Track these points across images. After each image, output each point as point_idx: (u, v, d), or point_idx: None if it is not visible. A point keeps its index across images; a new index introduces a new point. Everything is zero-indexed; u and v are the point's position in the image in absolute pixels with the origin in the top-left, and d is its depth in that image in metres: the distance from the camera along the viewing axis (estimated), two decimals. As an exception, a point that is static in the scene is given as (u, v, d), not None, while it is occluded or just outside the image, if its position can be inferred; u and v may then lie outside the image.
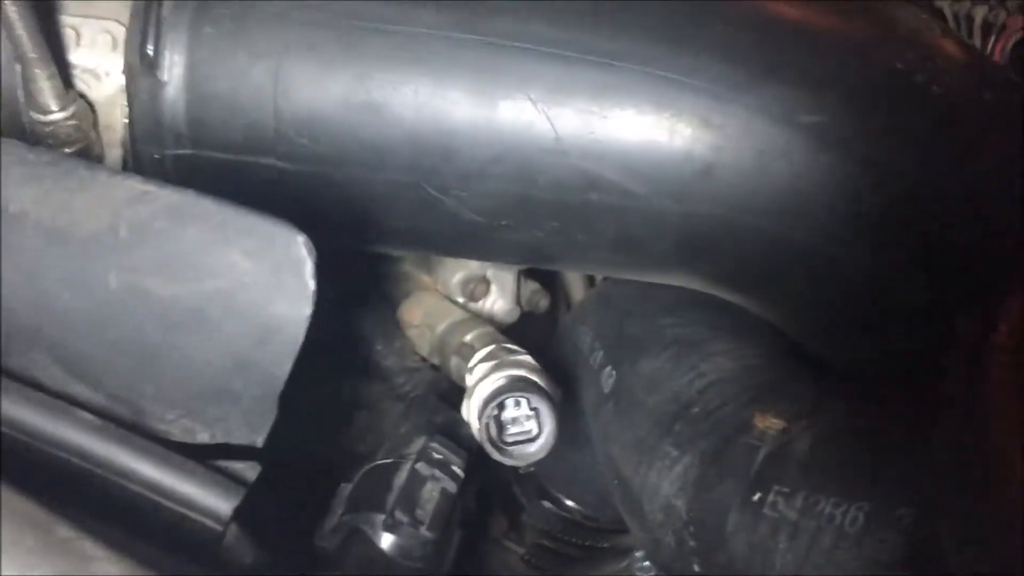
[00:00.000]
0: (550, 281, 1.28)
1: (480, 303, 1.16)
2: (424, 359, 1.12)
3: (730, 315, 0.88)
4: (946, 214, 0.71)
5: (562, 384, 1.00)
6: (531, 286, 1.23)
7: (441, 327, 1.09)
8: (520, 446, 0.75)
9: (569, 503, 1.19)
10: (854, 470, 0.63)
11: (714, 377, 0.80)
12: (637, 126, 0.73)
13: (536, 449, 0.75)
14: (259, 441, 0.59)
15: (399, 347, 1.11)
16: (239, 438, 0.59)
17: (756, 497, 0.67)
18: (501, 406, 0.76)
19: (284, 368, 0.57)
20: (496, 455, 0.74)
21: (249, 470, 0.59)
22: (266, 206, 0.81)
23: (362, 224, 0.81)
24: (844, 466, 0.64)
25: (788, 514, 0.65)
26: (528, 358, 0.85)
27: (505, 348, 0.93)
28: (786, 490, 0.66)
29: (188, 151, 0.76)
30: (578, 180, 0.74)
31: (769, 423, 0.71)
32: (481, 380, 0.81)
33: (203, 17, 0.73)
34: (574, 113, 0.73)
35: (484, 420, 0.73)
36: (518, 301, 1.19)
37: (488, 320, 1.14)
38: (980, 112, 0.73)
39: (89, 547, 0.46)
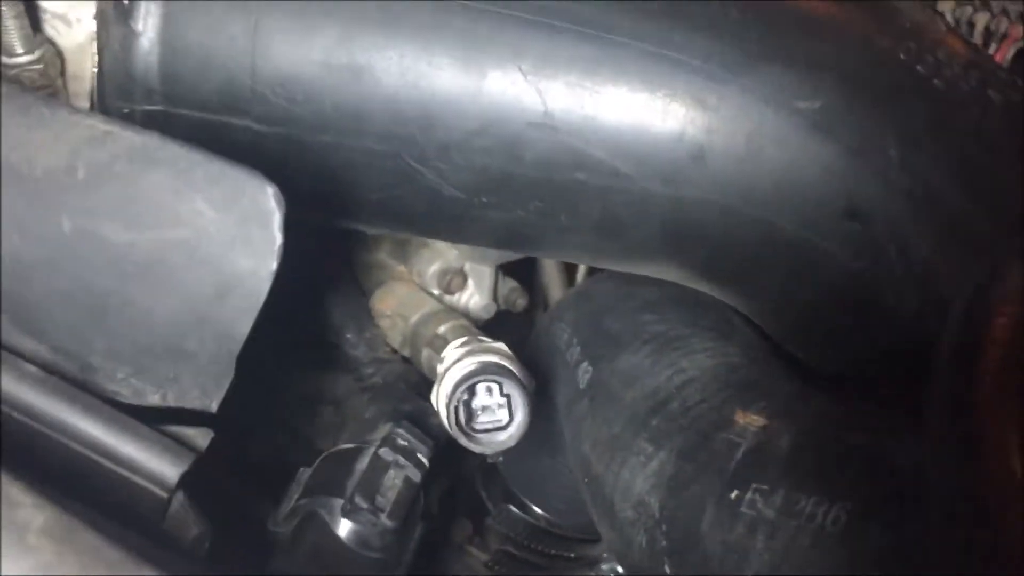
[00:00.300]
0: (529, 282, 1.26)
1: (456, 296, 1.13)
2: (395, 351, 1.09)
3: (712, 313, 0.85)
4: (941, 215, 0.69)
5: (537, 383, 0.97)
6: (509, 284, 1.20)
7: (414, 318, 1.06)
8: (490, 434, 0.72)
9: (536, 509, 1.15)
10: (837, 469, 0.60)
11: (694, 373, 0.77)
12: (629, 104, 0.71)
13: (506, 437, 0.71)
14: (213, 406, 0.55)
15: (370, 337, 1.08)
16: (192, 401, 0.55)
17: (733, 495, 0.64)
18: (472, 391, 0.72)
19: (244, 326, 0.53)
20: (464, 441, 0.71)
21: (201, 436, 0.56)
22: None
23: (338, 195, 0.78)
24: (826, 464, 0.61)
25: (766, 513, 0.62)
26: (502, 346, 0.82)
27: (479, 339, 0.90)
28: (765, 488, 0.62)
29: (160, 107, 0.73)
30: (565, 157, 0.71)
31: (750, 419, 0.68)
32: (453, 365, 0.78)
33: (181, -34, 0.70)
34: (564, 87, 0.70)
35: (453, 404, 0.70)
36: (495, 298, 1.16)
37: (463, 314, 1.11)
38: (983, 109, 0.71)
39: (16, 493, 0.42)
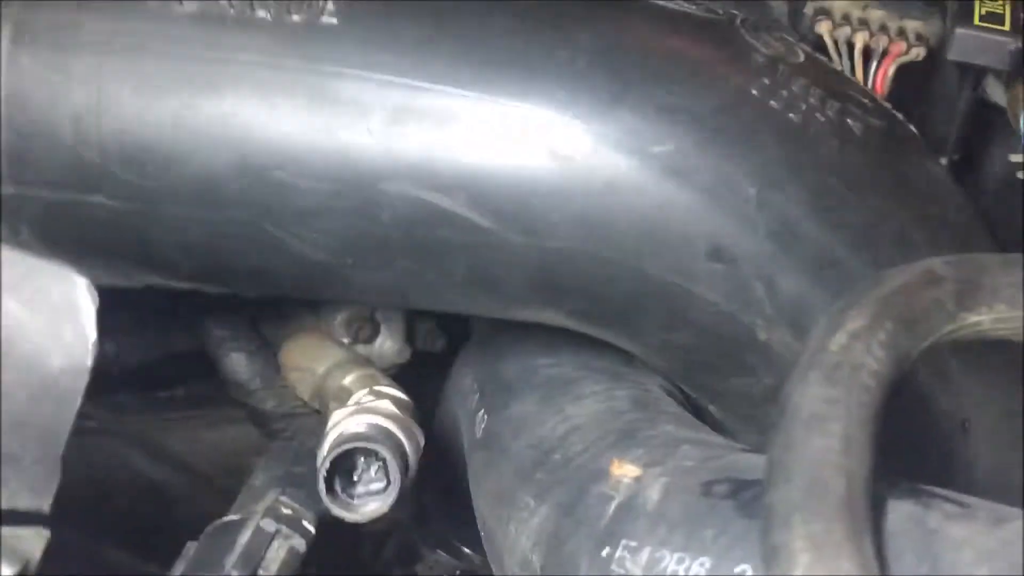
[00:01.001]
0: (455, 317, 1.24)
1: (367, 344, 1.11)
2: (307, 403, 1.08)
3: (608, 354, 0.84)
4: (806, 250, 0.68)
5: (447, 431, 0.96)
6: (426, 325, 1.19)
7: (321, 369, 1.04)
8: (363, 499, 0.70)
9: (467, 552, 1.14)
10: (699, 522, 0.59)
11: (579, 421, 0.76)
12: (483, 157, 0.70)
13: (379, 505, 0.70)
14: (44, 506, 0.54)
15: (279, 391, 1.07)
16: (23, 503, 0.54)
17: (604, 552, 0.63)
18: (347, 456, 0.71)
19: (63, 427, 0.52)
20: (335, 509, 0.69)
21: (36, 537, 0.54)
22: (102, 251, 0.78)
23: (207, 266, 0.76)
24: (690, 517, 0.60)
25: (634, 571, 0.60)
26: (388, 404, 0.80)
27: (376, 391, 0.89)
28: (633, 544, 0.61)
29: (12, 191, 0.72)
30: (425, 215, 0.70)
31: (625, 470, 0.67)
32: (332, 428, 0.76)
33: (21, 42, 0.69)
34: (417, 144, 0.69)
35: (323, 471, 0.69)
36: (410, 340, 1.15)
37: (378, 361, 1.09)
38: (841, 141, 0.70)
39: None
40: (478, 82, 0.69)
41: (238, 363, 1.05)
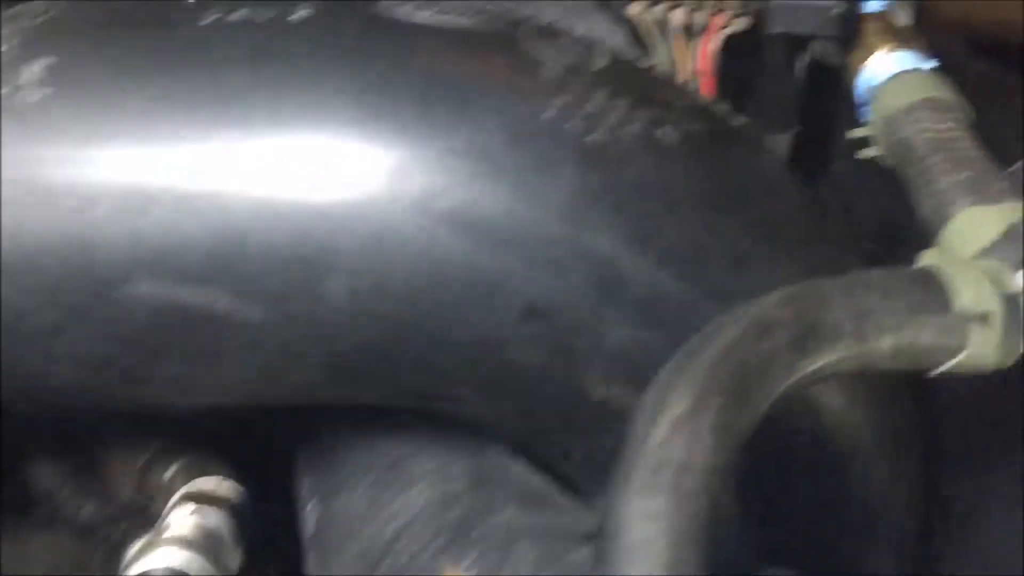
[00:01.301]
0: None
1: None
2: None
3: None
4: (627, 290, 0.59)
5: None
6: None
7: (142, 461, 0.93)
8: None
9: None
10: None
11: (410, 514, 0.65)
12: (245, 233, 0.59)
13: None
14: None
15: (99, 490, 0.95)
16: None
17: None
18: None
19: None
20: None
21: None
22: None
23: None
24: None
25: None
26: (201, 523, 0.70)
27: (197, 495, 0.78)
28: None
29: None
30: (183, 314, 0.59)
31: (459, 579, 0.58)
32: (127, 565, 0.66)
33: None
34: (159, 230, 0.58)
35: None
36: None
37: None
38: (652, 157, 0.60)
39: None
40: (227, 145, 0.58)
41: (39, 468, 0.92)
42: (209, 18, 0.63)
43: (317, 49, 0.59)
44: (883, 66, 0.75)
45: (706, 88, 0.83)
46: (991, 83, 1.02)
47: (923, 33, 0.78)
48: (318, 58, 0.59)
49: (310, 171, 0.57)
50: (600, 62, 0.64)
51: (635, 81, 0.65)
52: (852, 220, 0.77)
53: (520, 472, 0.69)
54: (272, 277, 0.58)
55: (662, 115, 0.63)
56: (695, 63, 0.82)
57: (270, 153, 0.59)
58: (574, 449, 0.66)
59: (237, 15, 0.63)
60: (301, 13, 0.62)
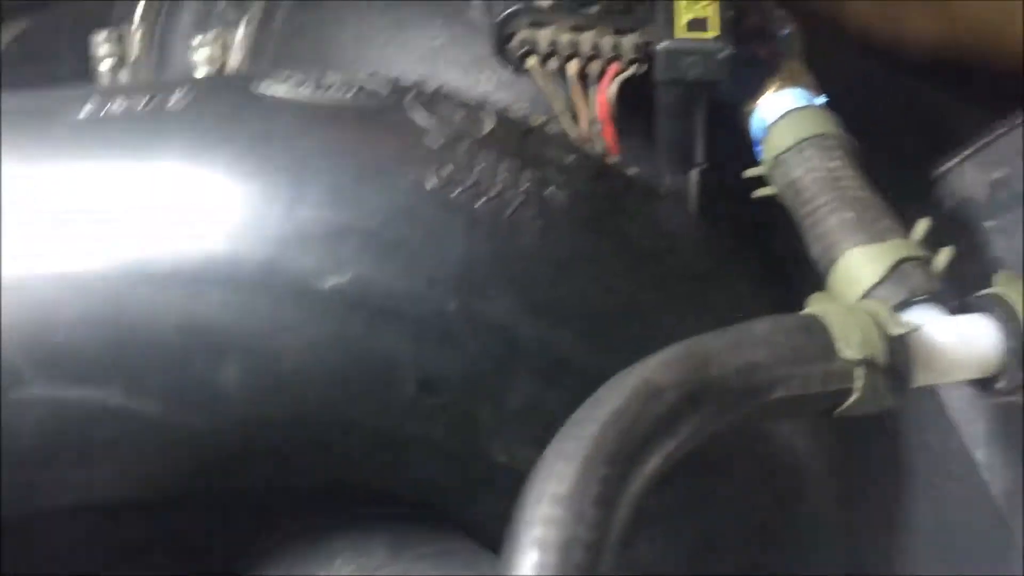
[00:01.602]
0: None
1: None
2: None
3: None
4: (529, 357, 0.59)
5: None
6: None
7: None
8: None
9: None
10: None
11: (330, 592, 0.65)
12: (133, 328, 0.58)
13: None
14: None
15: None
16: None
17: None
18: None
19: None
20: None
21: None
22: None
23: None
24: None
25: None
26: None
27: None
28: None
29: None
30: (75, 417, 0.58)
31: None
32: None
33: None
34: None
35: None
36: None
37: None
38: (542, 219, 0.60)
39: None
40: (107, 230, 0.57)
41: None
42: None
43: (191, 136, 0.58)
44: (774, 104, 0.76)
45: (607, 135, 0.83)
46: (899, 94, 1.03)
47: (812, 68, 0.79)
48: (191, 145, 0.58)
49: (190, 259, 0.57)
50: (487, 125, 0.64)
51: (521, 143, 0.64)
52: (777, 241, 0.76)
53: (439, 537, 0.69)
54: (172, 378, 0.57)
55: (549, 175, 0.63)
56: (593, 112, 0.82)
57: (151, 242, 0.58)
58: (486, 510, 0.66)
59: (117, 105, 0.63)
60: (178, 98, 0.61)
